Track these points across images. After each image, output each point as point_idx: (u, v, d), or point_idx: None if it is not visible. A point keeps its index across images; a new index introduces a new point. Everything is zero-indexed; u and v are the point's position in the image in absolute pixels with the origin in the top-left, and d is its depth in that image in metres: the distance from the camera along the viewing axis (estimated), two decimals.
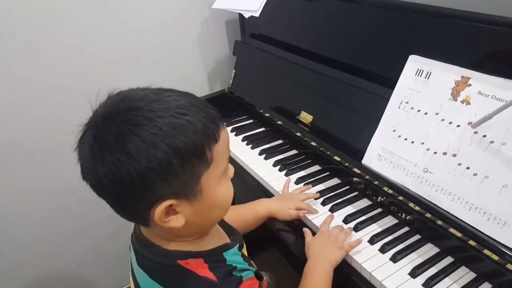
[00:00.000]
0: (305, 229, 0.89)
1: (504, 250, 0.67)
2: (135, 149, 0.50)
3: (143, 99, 0.54)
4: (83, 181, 0.56)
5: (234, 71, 1.42)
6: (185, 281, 0.59)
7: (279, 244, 1.03)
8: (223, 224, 0.76)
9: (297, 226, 0.93)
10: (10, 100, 1.16)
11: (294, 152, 1.18)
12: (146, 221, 0.57)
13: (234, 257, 0.66)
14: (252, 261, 0.72)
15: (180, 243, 0.62)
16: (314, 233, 0.89)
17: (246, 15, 1.19)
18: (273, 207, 0.93)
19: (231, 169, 0.64)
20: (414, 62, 0.84)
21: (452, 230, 0.76)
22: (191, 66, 1.48)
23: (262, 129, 1.33)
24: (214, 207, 0.60)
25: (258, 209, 0.93)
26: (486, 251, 0.71)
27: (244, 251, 0.74)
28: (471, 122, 0.74)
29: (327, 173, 1.07)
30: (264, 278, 0.71)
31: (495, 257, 0.70)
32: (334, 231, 0.85)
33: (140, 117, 0.52)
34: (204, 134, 0.54)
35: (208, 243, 0.65)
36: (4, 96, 1.15)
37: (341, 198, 0.97)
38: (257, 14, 1.16)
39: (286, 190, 1.00)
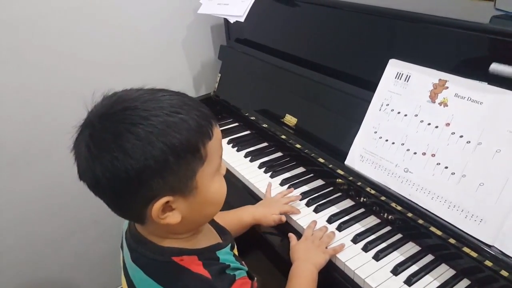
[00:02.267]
0: (290, 234, 0.90)
1: (482, 247, 0.69)
2: (131, 147, 0.51)
3: (138, 99, 0.55)
4: (80, 181, 0.57)
5: (220, 75, 1.43)
6: (179, 277, 0.60)
7: (265, 246, 1.03)
8: (215, 224, 0.77)
9: (283, 227, 0.94)
10: None
11: (279, 154, 1.20)
12: (143, 218, 0.58)
13: (226, 256, 0.67)
14: (243, 261, 0.73)
15: (174, 240, 0.63)
16: (299, 233, 0.91)
17: (232, 20, 1.21)
18: (257, 215, 0.93)
19: (224, 167, 0.66)
20: (394, 66, 0.86)
21: (432, 229, 0.78)
22: (177, 69, 1.49)
23: (247, 132, 1.34)
24: (209, 203, 0.62)
25: (243, 216, 0.93)
26: (465, 249, 0.73)
27: (235, 251, 0.75)
28: (448, 124, 0.76)
29: (311, 174, 1.09)
30: (255, 278, 0.71)
31: (474, 254, 0.72)
32: (318, 235, 0.86)
33: (135, 116, 0.53)
34: (197, 131, 0.56)
35: (201, 241, 0.66)
36: None
37: (325, 198, 0.99)
38: (242, 19, 1.17)
39: (268, 194, 1.01)
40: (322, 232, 0.87)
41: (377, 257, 0.81)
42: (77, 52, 1.24)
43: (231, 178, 1.15)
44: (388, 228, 0.89)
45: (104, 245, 1.53)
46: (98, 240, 1.52)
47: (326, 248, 0.84)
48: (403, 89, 0.84)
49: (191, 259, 0.61)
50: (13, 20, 1.10)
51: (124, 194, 0.55)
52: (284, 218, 0.93)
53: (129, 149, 0.51)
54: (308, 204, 0.97)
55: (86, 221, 1.46)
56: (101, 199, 0.58)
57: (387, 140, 0.86)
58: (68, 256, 1.48)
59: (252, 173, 1.12)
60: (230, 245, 0.71)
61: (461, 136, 0.74)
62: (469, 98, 0.74)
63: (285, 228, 0.93)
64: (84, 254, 1.52)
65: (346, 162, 0.92)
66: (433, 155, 0.78)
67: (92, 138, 0.53)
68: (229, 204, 1.00)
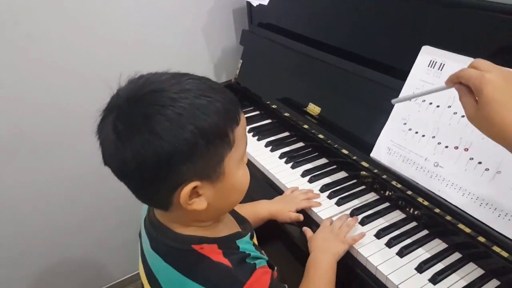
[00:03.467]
0: (305, 228, 0.89)
1: None
2: (162, 130, 0.51)
3: (165, 82, 0.55)
4: (104, 166, 0.57)
5: (241, 61, 1.40)
6: (200, 266, 0.59)
7: (283, 236, 1.02)
8: (234, 213, 0.76)
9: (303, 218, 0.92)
10: (13, 89, 1.16)
11: (301, 144, 1.17)
12: (168, 204, 0.58)
13: (246, 245, 0.66)
14: (263, 251, 0.73)
15: (195, 228, 0.63)
16: (319, 225, 0.88)
17: (254, 3, 1.18)
18: (273, 210, 0.93)
19: (246, 155, 0.65)
20: (427, 53, 0.82)
21: (461, 226, 0.75)
22: (197, 55, 1.46)
23: (269, 120, 1.32)
24: (234, 190, 0.62)
25: (259, 210, 0.93)
26: (495, 248, 0.70)
27: (255, 240, 0.75)
28: None
29: (334, 166, 1.06)
30: (275, 268, 0.71)
31: (505, 254, 0.69)
32: (337, 224, 0.85)
33: (165, 98, 0.52)
34: (226, 115, 0.55)
35: (221, 230, 0.66)
36: (7, 84, 1.14)
37: (348, 191, 0.96)
38: (265, 3, 1.14)
39: (288, 191, 0.99)
40: (341, 221, 0.85)
41: (401, 253, 0.79)
42: (97, 38, 1.23)
43: (251, 168, 1.11)
44: (413, 224, 0.86)
45: (124, 231, 1.55)
46: (119, 227, 1.54)
47: (345, 237, 0.82)
48: (436, 78, 0.80)
49: (211, 248, 0.61)
50: (33, 3, 1.10)
51: (152, 179, 0.54)
52: (301, 217, 0.91)
53: (160, 132, 0.51)
54: (330, 197, 0.95)
55: (107, 208, 1.48)
56: (126, 185, 0.58)
57: (417, 133, 0.82)
58: (90, 241, 1.52)
59: (272, 163, 1.10)
60: (249, 234, 0.71)
61: None
62: None
63: (306, 220, 0.92)
64: (105, 240, 1.55)
65: (371, 155, 0.89)
66: (466, 150, 0.74)
67: (121, 121, 0.53)
68: (248, 193, 0.98)
